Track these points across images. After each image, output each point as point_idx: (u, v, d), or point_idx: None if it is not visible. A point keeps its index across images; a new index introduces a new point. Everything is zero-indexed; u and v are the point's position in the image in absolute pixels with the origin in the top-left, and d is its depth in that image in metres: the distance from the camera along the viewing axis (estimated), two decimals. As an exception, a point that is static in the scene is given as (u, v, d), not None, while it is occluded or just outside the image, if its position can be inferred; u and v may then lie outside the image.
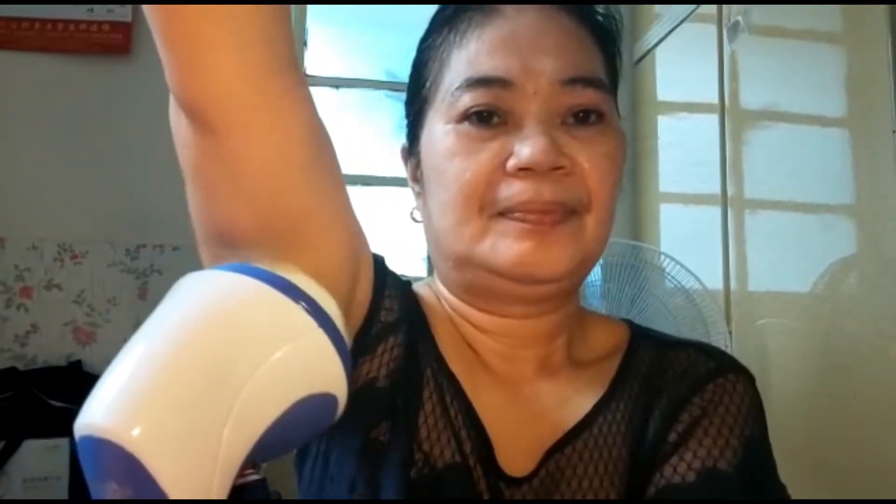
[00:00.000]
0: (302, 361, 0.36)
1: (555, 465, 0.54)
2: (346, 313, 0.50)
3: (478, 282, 0.56)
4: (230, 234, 0.43)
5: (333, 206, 0.46)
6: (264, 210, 0.42)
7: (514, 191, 0.52)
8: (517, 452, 0.54)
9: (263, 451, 0.35)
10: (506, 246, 0.52)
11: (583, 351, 0.61)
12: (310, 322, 0.36)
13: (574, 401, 0.57)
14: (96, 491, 0.31)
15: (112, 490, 0.30)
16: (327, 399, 0.37)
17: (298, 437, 0.39)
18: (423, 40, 0.60)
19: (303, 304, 0.36)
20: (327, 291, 0.39)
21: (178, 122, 0.41)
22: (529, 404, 0.57)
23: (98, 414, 0.30)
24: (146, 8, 0.37)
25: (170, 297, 0.36)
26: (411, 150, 0.61)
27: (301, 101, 0.41)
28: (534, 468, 0.54)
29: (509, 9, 0.55)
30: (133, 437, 0.29)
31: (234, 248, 0.43)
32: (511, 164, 0.52)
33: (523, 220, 0.52)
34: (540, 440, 0.55)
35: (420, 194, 0.60)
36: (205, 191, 0.43)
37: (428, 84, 0.58)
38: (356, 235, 0.49)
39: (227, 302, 0.35)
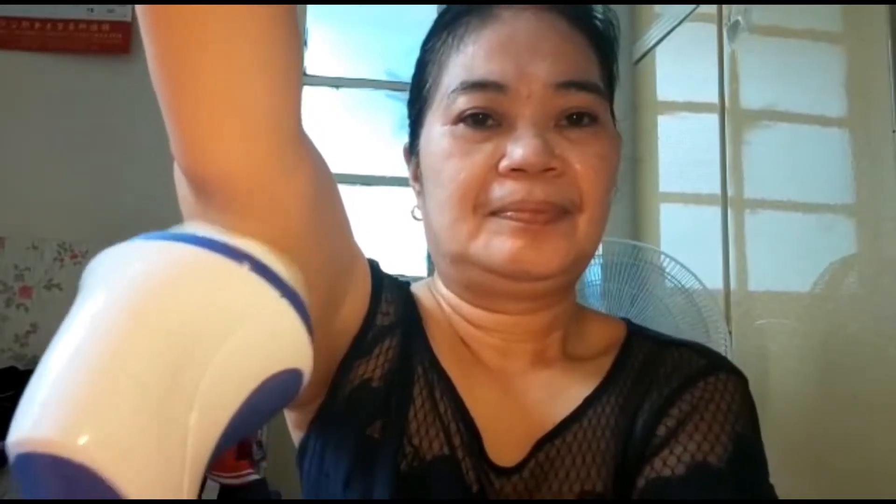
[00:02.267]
0: (267, 336, 0.32)
1: (544, 455, 0.55)
2: (335, 319, 0.52)
3: (474, 279, 0.57)
4: None
5: (332, 265, 0.49)
6: None
7: (506, 191, 0.53)
8: (506, 444, 0.55)
9: (230, 438, 0.31)
10: (499, 244, 0.53)
11: (579, 347, 0.62)
12: (272, 293, 0.33)
13: (565, 394, 0.58)
14: None
15: None
16: (294, 374, 0.35)
17: (263, 417, 0.35)
18: (425, 43, 0.61)
19: (262, 274, 0.32)
20: (284, 257, 0.36)
21: (178, 178, 0.42)
22: (521, 397, 0.58)
23: (33, 427, 0.26)
24: (154, 78, 0.36)
25: (91, 281, 0.31)
26: (412, 150, 0.62)
27: (305, 175, 0.41)
28: (523, 458, 0.55)
29: (506, 13, 0.56)
30: (80, 447, 0.25)
31: None
32: (503, 164, 0.53)
33: (516, 219, 0.53)
34: (530, 431, 0.56)
35: (420, 193, 0.61)
36: None
37: (427, 86, 0.59)
38: (353, 271, 0.53)
39: (171, 276, 0.30)
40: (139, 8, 0.35)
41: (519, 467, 0.54)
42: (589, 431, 0.56)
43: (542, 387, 0.58)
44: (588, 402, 0.57)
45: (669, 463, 0.53)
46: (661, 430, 0.55)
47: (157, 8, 0.34)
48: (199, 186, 0.39)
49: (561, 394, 0.58)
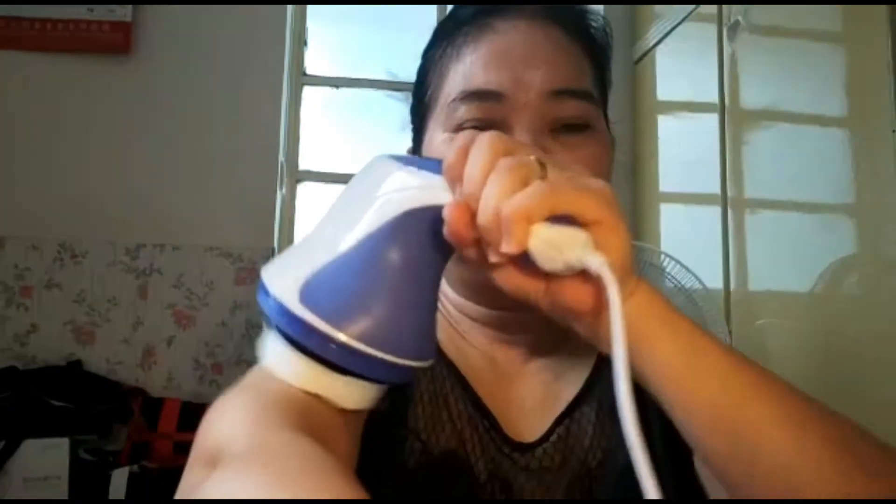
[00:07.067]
0: None
1: (565, 430, 0.58)
2: None
3: (473, 277, 0.59)
4: None
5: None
6: None
7: None
8: (525, 424, 0.59)
9: None
10: None
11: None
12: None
13: (571, 372, 0.62)
14: None
15: None
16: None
17: None
18: (426, 51, 0.64)
19: None
20: None
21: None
22: (529, 380, 0.61)
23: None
24: None
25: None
26: (415, 154, 0.65)
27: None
28: (543, 434, 0.58)
29: (502, 25, 0.59)
30: None
31: None
32: None
33: None
34: (545, 411, 0.60)
35: None
36: None
37: (429, 93, 0.62)
38: None
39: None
40: None
41: (541, 441, 0.58)
42: (604, 401, 0.59)
43: (548, 369, 0.62)
44: (593, 378, 0.61)
45: None
46: None
47: None
48: None
49: (567, 373, 0.62)
